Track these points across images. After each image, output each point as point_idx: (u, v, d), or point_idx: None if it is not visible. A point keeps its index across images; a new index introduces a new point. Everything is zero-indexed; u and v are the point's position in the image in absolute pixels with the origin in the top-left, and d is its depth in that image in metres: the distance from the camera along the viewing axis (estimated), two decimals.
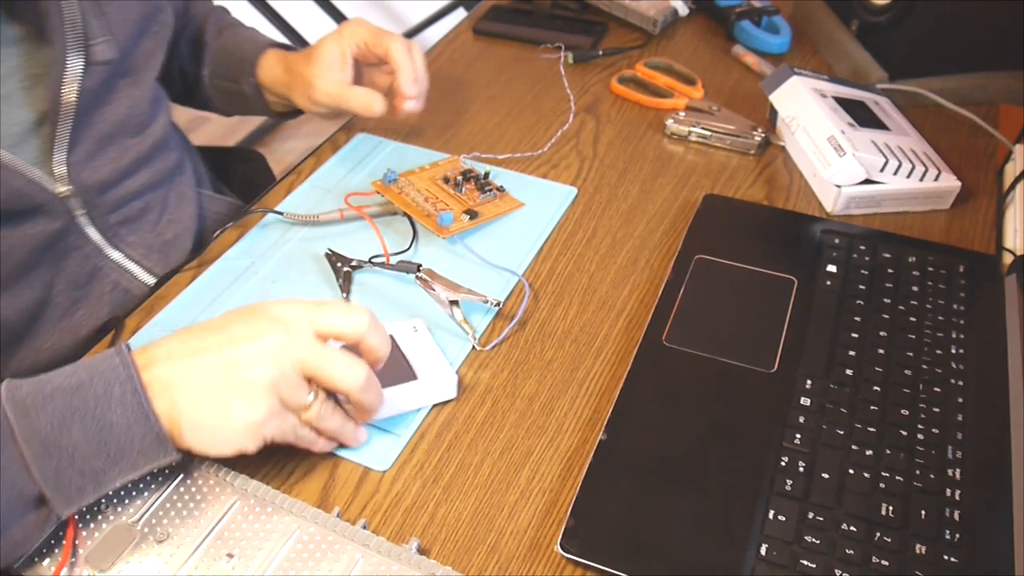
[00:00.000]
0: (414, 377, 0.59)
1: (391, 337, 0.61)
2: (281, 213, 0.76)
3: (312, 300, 0.53)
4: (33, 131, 0.64)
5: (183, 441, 0.50)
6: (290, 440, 0.53)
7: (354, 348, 0.53)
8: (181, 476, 0.54)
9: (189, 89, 0.89)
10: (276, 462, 0.57)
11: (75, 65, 0.62)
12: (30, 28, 0.62)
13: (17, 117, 0.63)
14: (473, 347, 0.64)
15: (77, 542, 0.51)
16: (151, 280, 0.74)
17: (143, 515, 0.52)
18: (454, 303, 0.65)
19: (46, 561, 0.50)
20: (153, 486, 0.54)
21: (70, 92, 0.63)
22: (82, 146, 0.66)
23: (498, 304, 0.65)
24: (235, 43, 0.85)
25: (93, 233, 0.69)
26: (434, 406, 0.60)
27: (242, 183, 0.97)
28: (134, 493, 0.53)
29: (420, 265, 0.68)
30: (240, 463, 0.57)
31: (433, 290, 0.66)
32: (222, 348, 0.50)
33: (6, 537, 0.47)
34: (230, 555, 0.50)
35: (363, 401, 0.53)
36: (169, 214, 0.76)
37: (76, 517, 0.52)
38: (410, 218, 0.74)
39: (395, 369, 0.59)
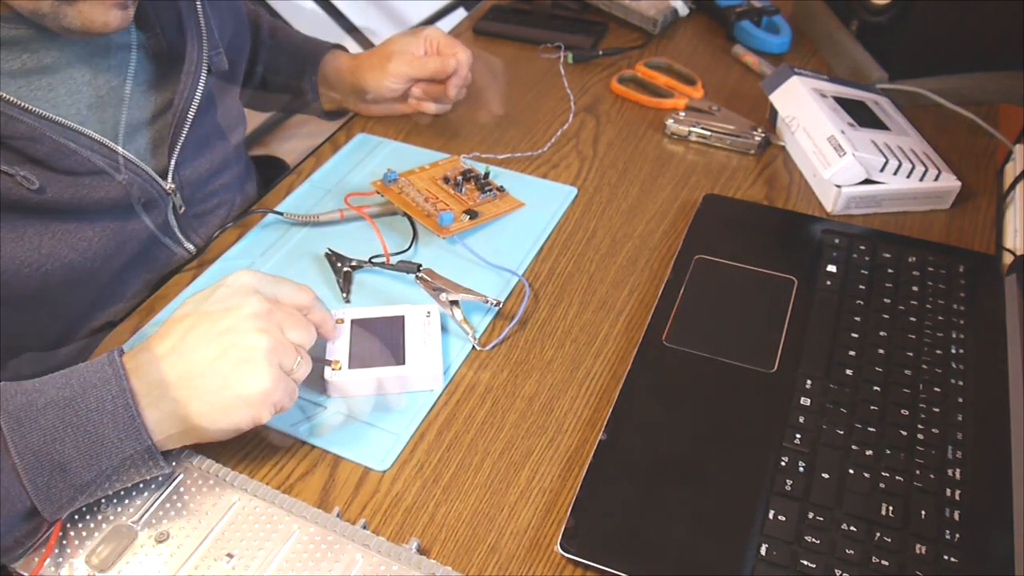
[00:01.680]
0: (401, 362, 0.60)
1: (401, 318, 0.63)
2: (281, 213, 0.76)
3: (256, 272, 0.56)
4: (147, 130, 0.68)
5: (199, 432, 0.51)
6: (287, 407, 0.53)
7: None
8: (181, 476, 0.54)
9: (256, 84, 0.93)
10: (276, 462, 0.57)
11: (201, 74, 0.69)
12: (153, 35, 0.67)
13: (134, 117, 0.67)
14: (473, 347, 0.64)
15: (65, 541, 0.51)
16: None
17: (143, 515, 0.52)
18: (454, 303, 0.65)
19: (46, 561, 0.50)
20: (153, 486, 0.54)
21: (191, 98, 0.68)
22: (188, 146, 0.71)
23: (498, 304, 0.65)
24: (295, 43, 0.91)
25: (175, 226, 0.73)
26: (434, 406, 0.60)
27: (267, 189, 0.99)
28: (134, 493, 0.53)
29: (420, 265, 0.68)
30: (240, 463, 0.57)
31: (433, 290, 0.66)
32: (211, 328, 0.51)
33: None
34: (230, 555, 0.50)
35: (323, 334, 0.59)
36: (233, 208, 0.80)
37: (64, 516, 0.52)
38: (410, 218, 0.74)
39: (388, 351, 0.61)
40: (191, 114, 0.69)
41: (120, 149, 0.65)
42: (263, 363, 0.50)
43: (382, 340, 0.62)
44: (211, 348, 0.50)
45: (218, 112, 0.76)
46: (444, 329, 0.65)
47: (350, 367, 0.59)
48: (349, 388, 0.60)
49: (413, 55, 0.82)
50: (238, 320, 0.51)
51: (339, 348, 0.61)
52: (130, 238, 0.68)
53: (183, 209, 0.72)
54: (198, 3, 0.68)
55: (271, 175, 1.03)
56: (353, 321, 0.63)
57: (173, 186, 0.71)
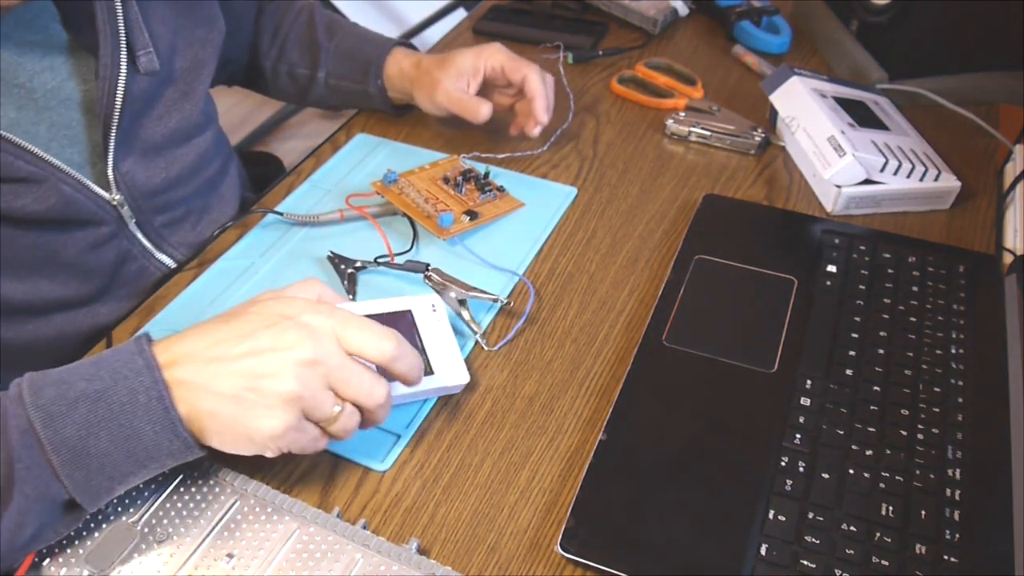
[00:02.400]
0: (430, 371, 0.58)
1: (409, 313, 0.61)
2: (281, 213, 0.76)
3: (342, 312, 0.51)
4: (86, 138, 0.66)
5: (202, 440, 0.50)
6: (307, 451, 0.51)
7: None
8: (181, 476, 0.54)
9: (303, 91, 0.90)
10: (276, 462, 0.57)
11: (120, 74, 0.64)
12: (84, 37, 0.64)
13: (71, 121, 0.64)
14: (475, 347, 0.64)
15: (65, 541, 0.51)
16: None
17: (143, 515, 0.52)
18: (462, 302, 0.65)
19: (45, 561, 0.50)
20: (153, 486, 0.54)
21: (111, 101, 0.64)
22: (133, 155, 0.68)
23: (509, 303, 0.65)
24: (355, 45, 0.87)
25: (142, 237, 0.72)
26: (434, 406, 0.60)
27: (259, 186, 0.98)
28: (134, 493, 0.53)
29: (428, 264, 0.68)
30: (240, 463, 0.57)
31: (442, 290, 0.66)
32: (247, 357, 0.48)
33: (37, 540, 0.48)
34: (230, 555, 0.50)
35: (377, 416, 0.52)
36: (210, 214, 0.78)
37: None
38: (410, 219, 0.74)
39: None
40: (116, 118, 0.65)
41: (46, 156, 0.61)
42: (279, 410, 0.48)
43: None
44: (236, 380, 0.48)
45: (171, 117, 0.71)
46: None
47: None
48: None
49: (461, 88, 0.80)
50: (279, 364, 0.48)
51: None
52: (70, 248, 0.66)
53: (133, 220, 0.70)
54: (116, 1, 0.64)
55: (266, 173, 1.03)
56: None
57: (119, 197, 0.68)
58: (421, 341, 0.60)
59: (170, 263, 0.75)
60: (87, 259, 0.68)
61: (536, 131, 0.81)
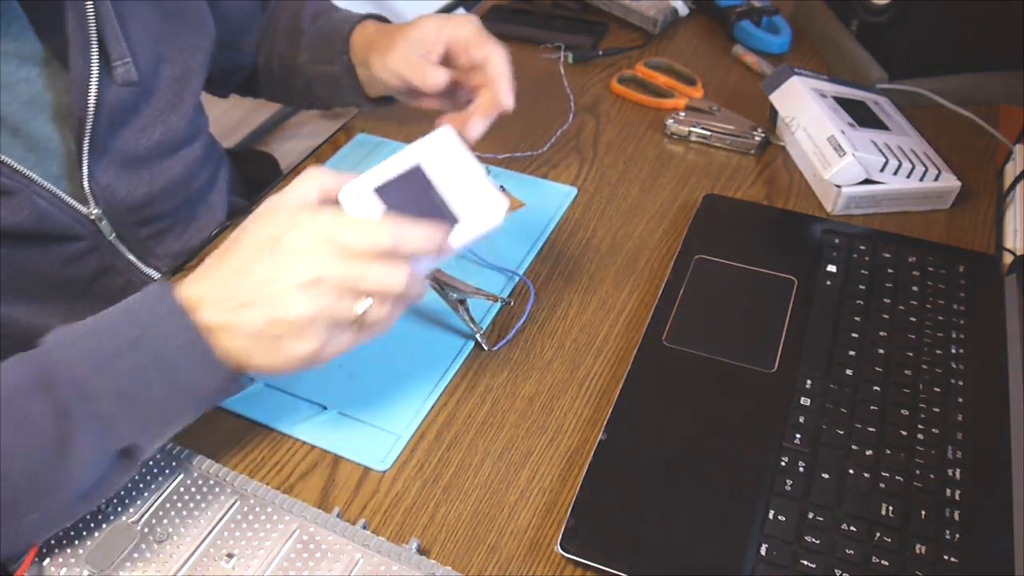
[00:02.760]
0: (454, 220, 0.52)
1: (418, 170, 0.54)
2: None
3: (325, 216, 0.49)
4: (63, 150, 0.64)
5: (246, 371, 0.50)
6: (355, 345, 0.51)
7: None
8: (181, 476, 0.54)
9: (289, 83, 0.85)
10: (276, 462, 0.57)
11: (91, 84, 0.62)
12: (58, 47, 0.62)
13: (47, 132, 0.63)
14: (474, 347, 0.64)
15: (65, 541, 0.51)
16: None
17: (143, 515, 0.52)
18: (462, 302, 0.65)
19: (46, 561, 0.50)
20: (153, 486, 0.54)
21: (83, 113, 0.62)
22: (114, 168, 0.67)
23: (510, 303, 0.65)
24: (331, 24, 0.80)
25: (125, 251, 0.71)
26: (434, 406, 0.60)
27: (254, 185, 0.98)
28: (134, 493, 0.53)
29: None
30: (240, 463, 0.57)
31: (443, 289, 0.65)
32: (253, 290, 0.48)
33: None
34: (230, 555, 0.50)
35: (409, 296, 0.50)
36: (198, 224, 0.77)
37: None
38: None
39: (431, 214, 0.52)
40: (89, 129, 0.63)
41: (19, 167, 0.60)
42: (304, 334, 0.48)
43: (417, 204, 0.52)
44: (253, 316, 0.48)
45: (155, 129, 0.69)
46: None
47: None
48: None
49: (418, 57, 0.69)
50: (283, 292, 0.47)
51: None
52: (48, 263, 0.64)
53: (113, 235, 0.68)
54: (88, 6, 0.61)
55: (261, 172, 1.02)
56: (373, 194, 0.53)
57: (97, 211, 0.66)
58: (440, 196, 0.53)
59: (155, 275, 0.73)
60: (64, 274, 0.66)
61: (484, 125, 0.68)
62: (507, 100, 0.68)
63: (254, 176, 0.99)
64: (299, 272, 0.47)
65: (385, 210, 0.52)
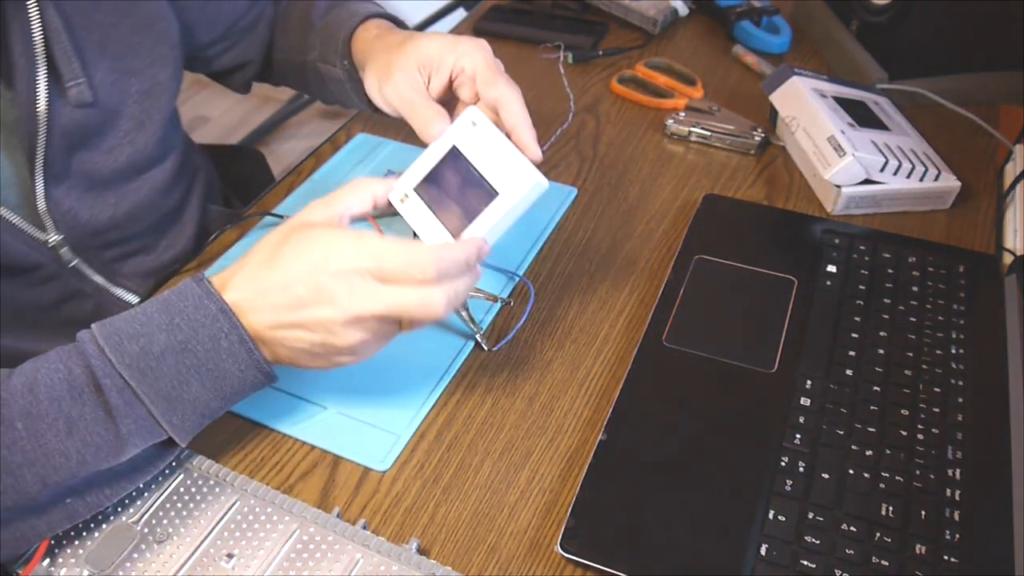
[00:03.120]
0: (495, 193, 0.53)
1: (454, 151, 0.56)
2: (281, 216, 0.76)
3: (371, 246, 0.49)
4: (16, 178, 0.61)
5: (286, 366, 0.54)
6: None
7: None
8: (181, 476, 0.54)
9: (304, 81, 0.80)
10: (276, 462, 0.57)
11: (38, 105, 0.58)
12: (5, 69, 0.58)
13: (2, 162, 0.60)
14: (474, 347, 0.64)
15: (65, 541, 0.51)
16: None
17: (143, 515, 0.52)
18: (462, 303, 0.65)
19: (46, 560, 0.50)
20: (153, 486, 0.54)
21: (39, 133, 0.59)
22: (75, 191, 0.64)
23: (510, 304, 0.65)
24: (337, 21, 0.73)
25: (93, 274, 0.69)
26: (434, 406, 0.60)
27: (241, 182, 0.97)
28: (134, 493, 0.53)
29: None
30: (240, 463, 0.57)
31: None
32: (302, 317, 0.50)
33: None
34: (230, 555, 0.50)
35: (443, 311, 0.51)
36: (168, 240, 0.75)
37: None
38: None
39: (472, 191, 0.54)
40: (40, 152, 0.59)
41: None
42: (348, 354, 0.52)
43: (457, 186, 0.54)
44: (300, 336, 0.51)
45: (122, 151, 0.65)
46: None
47: (457, 238, 0.54)
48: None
49: (415, 86, 0.62)
50: (330, 325, 0.50)
51: (429, 228, 0.54)
52: (14, 292, 0.62)
53: (73, 264, 0.66)
54: (34, 23, 0.56)
55: (246, 168, 1.00)
56: (416, 190, 0.55)
57: (57, 237, 0.63)
58: (478, 171, 0.55)
59: (126, 296, 0.71)
60: (28, 300, 0.65)
61: None
62: (535, 151, 0.60)
63: (243, 174, 0.97)
64: (345, 307, 0.49)
65: (423, 199, 0.56)
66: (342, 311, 0.49)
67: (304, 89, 0.84)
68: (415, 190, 0.56)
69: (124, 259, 0.71)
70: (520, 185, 0.53)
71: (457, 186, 0.55)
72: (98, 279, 0.69)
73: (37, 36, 0.57)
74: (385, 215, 0.76)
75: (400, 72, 0.63)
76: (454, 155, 0.56)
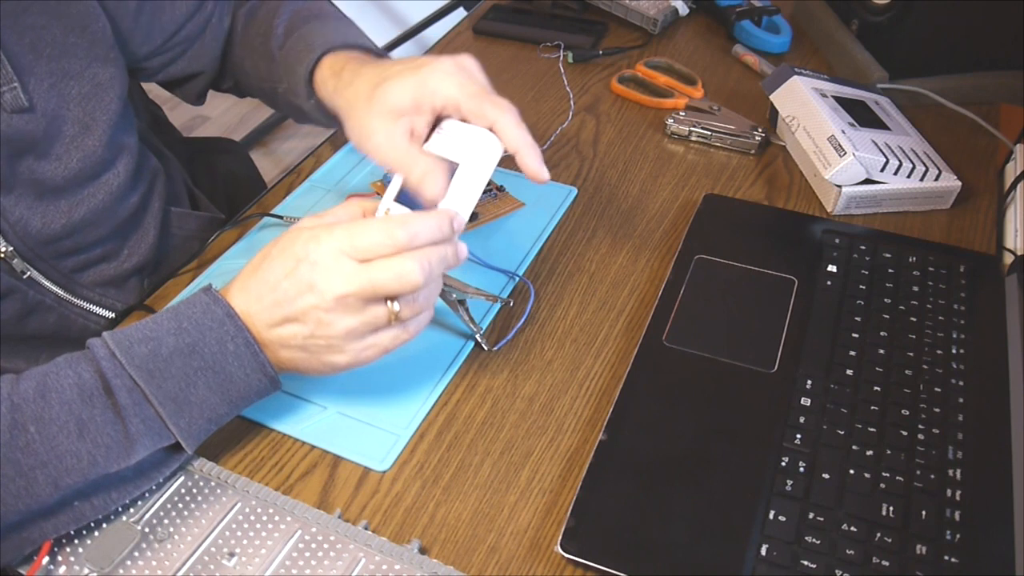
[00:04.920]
0: (455, 164, 0.56)
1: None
2: (281, 217, 0.76)
3: (342, 228, 0.51)
4: None
5: (289, 373, 0.55)
6: (401, 344, 0.55)
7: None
8: (182, 477, 0.54)
9: (281, 108, 0.77)
10: (276, 462, 0.57)
11: None
12: None
13: None
14: (474, 347, 0.64)
15: (65, 540, 0.51)
16: (111, 316, 0.71)
17: (143, 515, 0.52)
18: (462, 302, 0.65)
19: (45, 560, 0.50)
20: (154, 486, 0.54)
21: None
22: (25, 200, 0.62)
23: (510, 304, 0.65)
24: (295, 55, 0.68)
25: (51, 285, 0.67)
26: (434, 406, 0.60)
27: (225, 177, 0.96)
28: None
29: None
30: (240, 464, 0.57)
31: (443, 289, 0.65)
32: (285, 309, 0.51)
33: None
34: (231, 554, 0.50)
35: (435, 287, 0.54)
36: (129, 248, 0.73)
37: None
38: None
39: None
40: None
41: None
42: (341, 347, 0.53)
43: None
44: (294, 331, 0.52)
45: (71, 157, 0.64)
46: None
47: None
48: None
49: (397, 143, 0.57)
50: (314, 312, 0.51)
51: (460, 197, 0.56)
52: None
53: (27, 275, 0.64)
54: None
55: (229, 162, 0.98)
56: (396, 200, 0.57)
57: (7, 249, 0.62)
58: (446, 160, 0.57)
59: (89, 306, 0.70)
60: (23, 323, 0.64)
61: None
62: (542, 174, 0.57)
63: (226, 168, 0.96)
64: (324, 292, 0.50)
65: (411, 206, 0.57)
66: (323, 295, 0.50)
67: (285, 114, 0.80)
68: (395, 200, 0.58)
69: (84, 268, 0.69)
70: (474, 149, 0.56)
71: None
72: (57, 290, 0.67)
73: None
74: None
75: (378, 131, 0.57)
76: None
